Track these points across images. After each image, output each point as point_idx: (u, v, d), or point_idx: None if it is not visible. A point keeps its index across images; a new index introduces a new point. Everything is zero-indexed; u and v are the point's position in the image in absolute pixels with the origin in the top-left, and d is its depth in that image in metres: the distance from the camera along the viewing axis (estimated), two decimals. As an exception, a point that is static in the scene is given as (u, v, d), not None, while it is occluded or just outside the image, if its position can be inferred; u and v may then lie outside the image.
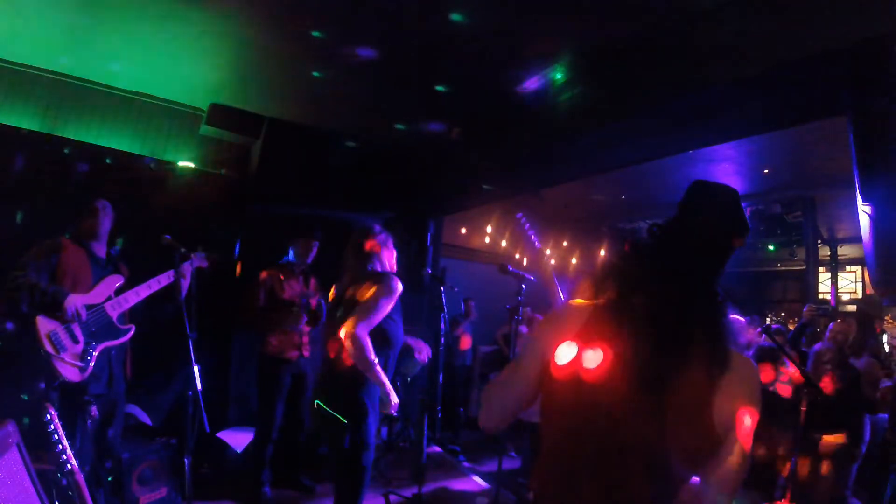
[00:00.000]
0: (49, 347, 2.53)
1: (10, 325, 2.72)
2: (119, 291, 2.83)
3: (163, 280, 2.89)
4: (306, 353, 3.64)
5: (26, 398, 2.57)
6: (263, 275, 3.60)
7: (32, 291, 2.54)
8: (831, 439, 3.53)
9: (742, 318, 4.31)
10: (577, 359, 1.11)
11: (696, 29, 2.81)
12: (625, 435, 1.05)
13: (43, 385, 2.53)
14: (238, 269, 4.44)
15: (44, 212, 3.60)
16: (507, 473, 4.05)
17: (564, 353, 1.12)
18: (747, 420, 1.05)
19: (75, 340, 2.61)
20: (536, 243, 1.96)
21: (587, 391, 1.08)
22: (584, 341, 1.12)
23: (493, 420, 1.28)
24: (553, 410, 1.17)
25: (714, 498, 1.06)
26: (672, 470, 1.06)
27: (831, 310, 8.10)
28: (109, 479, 2.83)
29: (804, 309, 5.71)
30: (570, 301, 1.27)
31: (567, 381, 1.11)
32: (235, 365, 4.41)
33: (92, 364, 2.63)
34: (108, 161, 4.12)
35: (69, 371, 2.56)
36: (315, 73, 3.78)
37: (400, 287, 2.44)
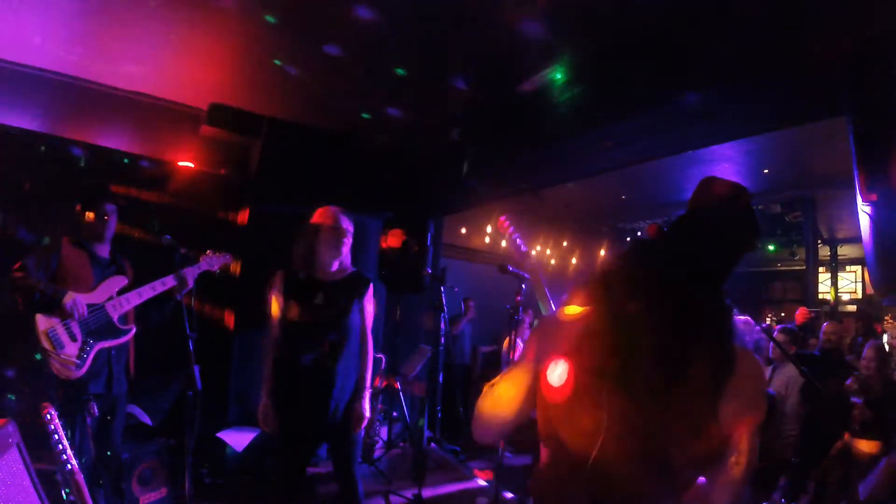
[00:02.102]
0: (46, 344, 2.53)
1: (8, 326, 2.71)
2: (122, 292, 2.83)
3: (168, 282, 2.88)
4: None
5: (26, 398, 2.57)
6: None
7: (32, 292, 2.54)
8: (865, 447, 3.46)
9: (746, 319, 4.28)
10: (575, 371, 1.07)
11: (695, 29, 2.81)
12: (627, 443, 1.02)
13: (42, 384, 2.53)
14: (238, 269, 4.43)
15: (44, 212, 3.59)
16: (508, 472, 4.05)
17: (557, 372, 1.08)
18: (753, 418, 1.03)
19: (73, 338, 2.61)
20: (522, 247, 1.95)
21: (586, 401, 1.05)
22: (580, 352, 1.08)
23: (488, 435, 1.24)
24: (549, 418, 1.14)
25: (721, 498, 1.04)
26: (677, 472, 1.03)
27: (824, 310, 8.08)
28: (109, 479, 2.83)
29: (797, 312, 5.71)
30: (563, 309, 1.20)
31: (565, 392, 1.08)
32: (235, 365, 4.40)
33: (88, 363, 2.63)
34: (108, 161, 4.12)
35: (65, 369, 2.56)
36: (315, 74, 3.78)
37: (276, 283, 2.63)
